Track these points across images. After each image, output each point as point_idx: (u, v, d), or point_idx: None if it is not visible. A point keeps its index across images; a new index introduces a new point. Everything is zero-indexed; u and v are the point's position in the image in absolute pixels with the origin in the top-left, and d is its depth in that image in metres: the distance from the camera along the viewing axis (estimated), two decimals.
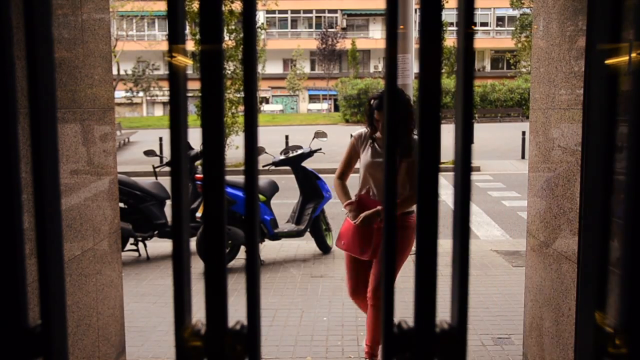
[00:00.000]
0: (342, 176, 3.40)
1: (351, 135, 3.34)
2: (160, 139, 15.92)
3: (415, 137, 2.52)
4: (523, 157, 14.98)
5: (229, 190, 5.31)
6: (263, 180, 5.67)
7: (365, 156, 3.23)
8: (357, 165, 3.40)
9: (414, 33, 6.13)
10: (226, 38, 11.65)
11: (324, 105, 40.21)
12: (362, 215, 3.17)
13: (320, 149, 6.18)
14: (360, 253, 3.26)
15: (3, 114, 0.63)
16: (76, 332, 2.54)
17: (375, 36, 39.81)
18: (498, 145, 18.05)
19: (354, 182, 3.37)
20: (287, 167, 6.01)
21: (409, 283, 0.74)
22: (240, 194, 5.34)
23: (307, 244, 6.28)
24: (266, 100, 39.39)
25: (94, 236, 2.78)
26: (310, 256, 5.94)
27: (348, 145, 3.34)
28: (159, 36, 36.82)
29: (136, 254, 5.97)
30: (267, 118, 31.70)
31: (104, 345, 2.88)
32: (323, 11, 40.28)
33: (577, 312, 2.46)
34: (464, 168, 0.66)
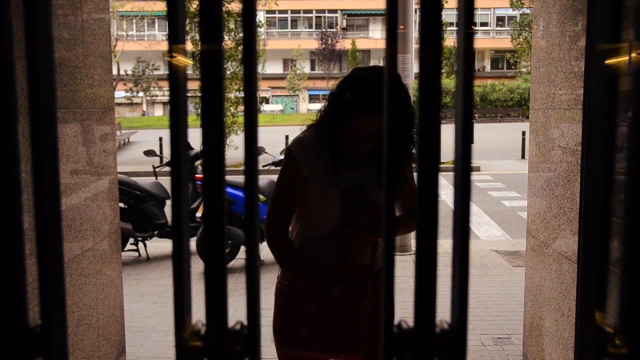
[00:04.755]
0: (281, 228, 1.80)
1: (289, 150, 1.79)
2: (160, 139, 15.92)
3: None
4: (523, 157, 14.98)
5: (229, 190, 5.31)
6: (263, 180, 5.68)
7: (326, 181, 1.76)
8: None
9: (414, 33, 6.13)
10: (225, 38, 11.64)
11: None
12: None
13: None
14: (342, 352, 1.75)
15: (3, 114, 0.63)
16: (76, 332, 2.54)
17: (375, 36, 39.80)
18: (498, 145, 18.05)
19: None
20: None
21: (409, 283, 0.74)
22: (240, 194, 5.34)
23: None
24: (266, 100, 39.38)
25: (94, 236, 2.78)
26: None
27: (282, 166, 1.82)
28: (159, 36, 36.82)
29: (136, 254, 5.97)
30: (267, 118, 31.69)
31: (104, 345, 2.88)
32: (323, 11, 40.28)
33: (577, 312, 2.46)
34: (464, 168, 0.66)
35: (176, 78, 0.67)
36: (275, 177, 1.95)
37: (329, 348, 1.74)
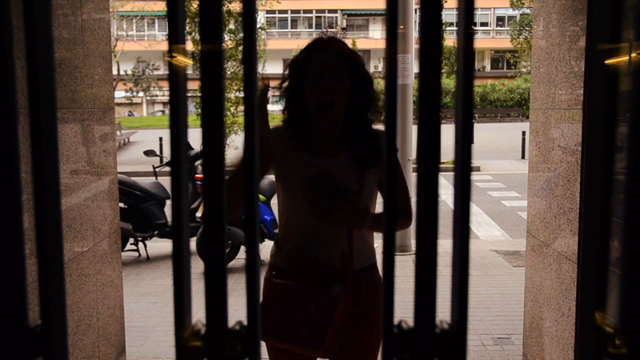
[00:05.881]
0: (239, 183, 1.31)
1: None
2: (160, 139, 15.92)
3: (380, 129, 1.74)
4: (523, 157, 14.98)
5: None
6: (263, 180, 5.68)
7: (294, 171, 1.77)
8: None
9: (414, 33, 6.13)
10: (225, 38, 11.64)
11: None
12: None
13: None
14: (306, 342, 1.68)
15: (3, 114, 0.63)
16: (76, 332, 2.54)
17: (375, 36, 39.79)
18: (498, 145, 18.05)
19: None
20: None
21: (409, 283, 0.74)
22: None
23: None
24: None
25: (94, 236, 2.78)
26: None
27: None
28: (159, 36, 36.80)
29: (136, 254, 5.97)
30: None
31: (104, 345, 2.88)
32: (323, 11, 40.27)
33: (577, 312, 2.45)
34: (464, 168, 0.66)
35: (176, 78, 0.67)
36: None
37: (294, 341, 1.70)
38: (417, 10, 0.78)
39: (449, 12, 23.62)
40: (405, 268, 5.25)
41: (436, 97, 0.65)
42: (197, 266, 1.61)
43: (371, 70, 41.54)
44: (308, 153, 1.77)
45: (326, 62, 1.70)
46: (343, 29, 39.53)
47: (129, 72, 34.83)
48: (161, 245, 6.19)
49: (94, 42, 2.82)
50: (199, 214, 5.69)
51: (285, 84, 1.81)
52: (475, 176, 11.44)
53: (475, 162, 11.69)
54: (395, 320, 0.67)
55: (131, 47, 31.51)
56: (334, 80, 1.69)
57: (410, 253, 5.98)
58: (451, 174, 0.67)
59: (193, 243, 5.45)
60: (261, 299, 1.74)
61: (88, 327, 2.69)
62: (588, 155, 2.39)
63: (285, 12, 38.66)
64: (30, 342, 0.66)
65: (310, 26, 40.87)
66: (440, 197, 0.66)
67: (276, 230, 5.41)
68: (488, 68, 40.35)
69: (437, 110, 0.65)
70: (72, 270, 2.52)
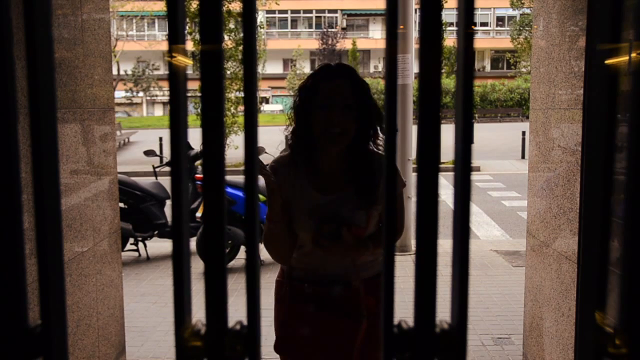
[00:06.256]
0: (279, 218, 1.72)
1: (271, 166, 1.78)
2: (160, 139, 15.92)
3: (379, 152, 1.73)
4: (523, 157, 14.99)
5: (229, 190, 5.31)
6: (263, 180, 5.67)
7: (300, 205, 1.73)
8: None
9: (414, 33, 6.13)
10: (225, 38, 11.65)
11: None
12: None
13: None
14: None
15: (3, 114, 0.63)
16: (76, 332, 2.54)
17: (375, 36, 39.80)
18: (498, 145, 18.05)
19: None
20: None
21: (409, 283, 0.74)
22: (240, 194, 5.34)
23: None
24: (266, 100, 39.35)
25: (94, 236, 2.78)
26: None
27: (267, 190, 1.70)
28: (159, 36, 36.81)
29: (136, 254, 5.97)
30: (267, 118, 31.66)
31: (104, 345, 2.88)
32: (323, 11, 40.28)
33: (577, 312, 2.46)
34: (464, 168, 0.66)
35: (176, 78, 0.66)
36: None
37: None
38: (417, 10, 0.78)
39: (449, 12, 23.62)
40: (405, 268, 5.25)
41: (436, 97, 0.65)
42: (197, 266, 1.61)
43: (371, 70, 41.30)
44: (314, 188, 1.74)
45: (334, 93, 1.68)
46: (343, 29, 39.52)
47: (129, 72, 34.84)
48: (161, 245, 6.19)
49: (94, 42, 2.82)
50: (199, 214, 5.69)
51: (295, 106, 1.77)
52: (475, 176, 11.45)
53: (475, 162, 11.69)
54: (395, 320, 0.67)
55: (131, 47, 31.53)
56: (343, 111, 1.67)
57: (410, 253, 5.99)
58: (451, 174, 0.67)
59: (193, 243, 5.45)
60: (280, 317, 1.86)
61: (88, 327, 2.69)
62: (588, 155, 2.39)
63: (285, 12, 38.67)
64: (30, 342, 0.66)
65: (310, 26, 40.88)
66: (440, 197, 0.66)
67: None
68: (488, 68, 40.36)
69: (437, 110, 0.65)
70: (72, 270, 2.52)
